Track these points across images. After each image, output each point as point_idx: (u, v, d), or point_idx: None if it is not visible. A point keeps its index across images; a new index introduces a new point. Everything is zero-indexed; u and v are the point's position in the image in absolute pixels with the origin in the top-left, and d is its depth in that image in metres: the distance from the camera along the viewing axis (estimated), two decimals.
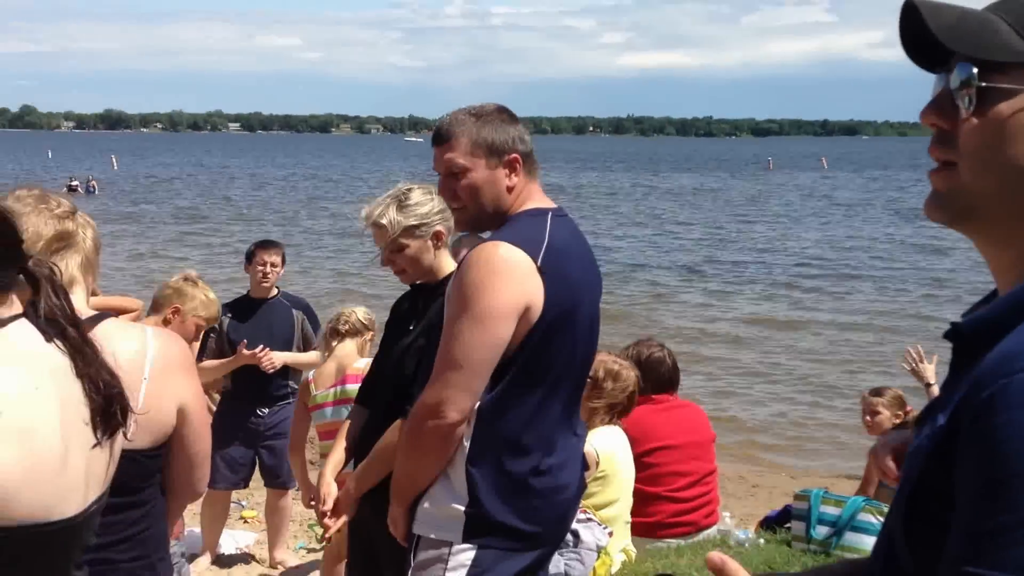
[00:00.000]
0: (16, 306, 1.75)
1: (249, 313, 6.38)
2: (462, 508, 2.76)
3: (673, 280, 21.50)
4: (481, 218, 2.93)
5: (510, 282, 2.67)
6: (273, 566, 6.59)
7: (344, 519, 3.48)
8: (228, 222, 33.13)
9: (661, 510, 5.06)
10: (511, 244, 2.71)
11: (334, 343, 5.33)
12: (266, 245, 6.59)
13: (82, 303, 2.42)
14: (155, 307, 4.87)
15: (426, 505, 2.83)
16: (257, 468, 6.58)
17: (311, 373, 5.42)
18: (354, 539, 3.67)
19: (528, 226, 2.80)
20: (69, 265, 2.41)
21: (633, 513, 4.85)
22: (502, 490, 2.76)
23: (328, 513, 3.49)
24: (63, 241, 2.43)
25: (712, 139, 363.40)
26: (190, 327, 4.83)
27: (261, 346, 6.03)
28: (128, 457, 2.30)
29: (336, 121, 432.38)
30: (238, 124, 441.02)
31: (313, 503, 3.73)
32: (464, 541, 2.76)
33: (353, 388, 5.24)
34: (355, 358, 5.26)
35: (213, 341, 6.29)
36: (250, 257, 6.49)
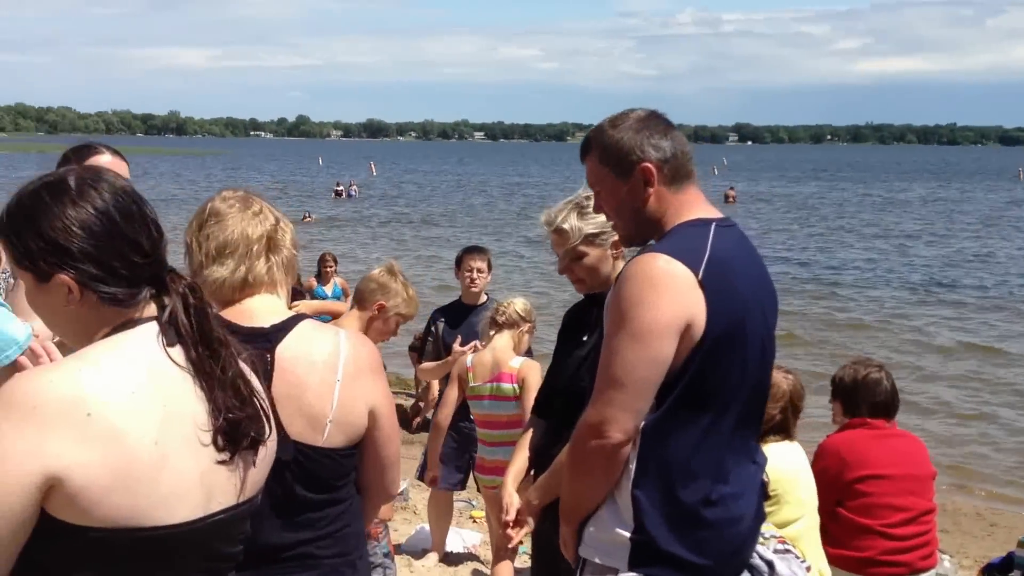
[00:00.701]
0: (151, 308, 1.75)
1: (460, 318, 6.40)
2: (627, 534, 2.56)
3: (905, 297, 20.30)
4: (631, 233, 2.73)
5: (669, 296, 2.44)
6: None
7: (526, 529, 3.37)
8: (470, 227, 33.84)
9: (873, 545, 4.68)
10: (669, 256, 2.48)
11: (492, 332, 5.29)
12: (472, 251, 6.57)
13: (280, 304, 2.47)
14: (359, 301, 4.65)
15: (592, 529, 2.65)
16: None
17: (470, 360, 5.41)
18: (537, 550, 3.59)
19: (688, 237, 2.55)
20: (271, 267, 2.45)
21: (841, 544, 4.56)
22: (669, 518, 2.54)
23: (511, 523, 3.35)
24: (268, 243, 2.46)
25: (956, 147, 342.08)
26: (392, 324, 4.64)
27: (473, 344, 6.04)
28: (325, 455, 2.37)
29: (571, 130, 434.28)
30: (482, 133, 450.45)
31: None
32: (630, 569, 2.56)
33: (508, 387, 5.33)
34: (510, 355, 5.19)
35: (431, 344, 6.40)
36: (459, 263, 6.54)
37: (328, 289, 12.55)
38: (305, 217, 34.73)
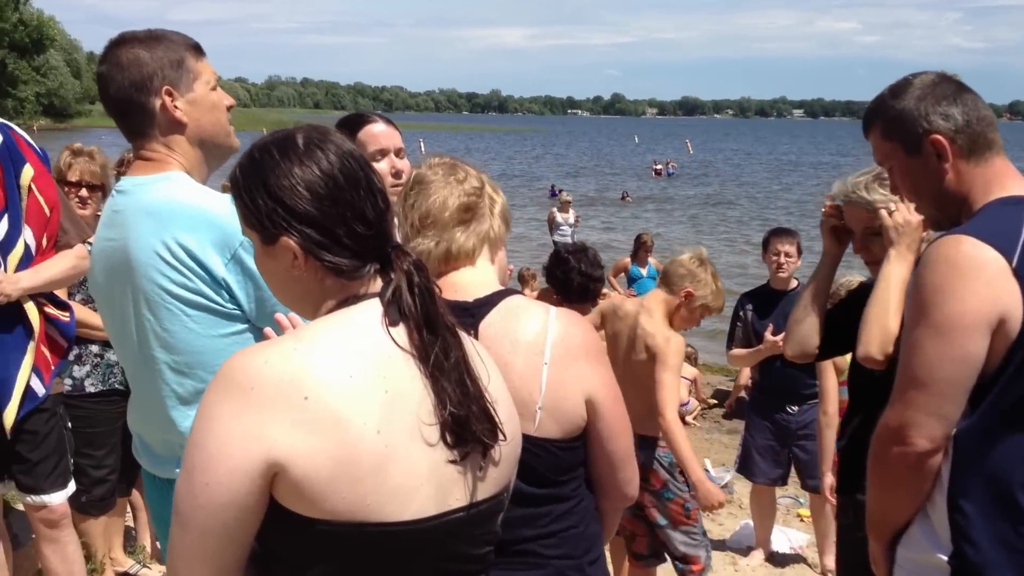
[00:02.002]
0: (376, 284, 1.63)
1: (770, 305, 5.94)
2: (944, 558, 2.23)
3: None
4: (935, 215, 2.41)
5: (977, 286, 2.11)
6: (824, 573, 5.98)
7: None
8: (777, 208, 32.71)
9: None
10: (977, 239, 2.13)
11: None
12: (780, 234, 6.14)
13: (487, 277, 2.28)
14: (667, 284, 4.47)
15: (904, 549, 2.35)
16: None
17: None
18: (843, 554, 3.29)
19: (999, 218, 2.20)
20: (470, 238, 2.26)
21: None
22: (995, 540, 2.18)
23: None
24: (468, 212, 2.27)
25: None
26: (696, 314, 4.47)
27: (783, 335, 5.56)
28: (540, 446, 2.12)
29: None
30: (801, 111, 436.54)
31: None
32: None
33: None
34: None
35: (740, 329, 6.04)
36: (765, 245, 6.13)
37: (643, 270, 12.38)
38: (624, 196, 34.91)
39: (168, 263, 2.29)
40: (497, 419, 1.63)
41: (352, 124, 3.18)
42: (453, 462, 1.57)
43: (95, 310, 4.34)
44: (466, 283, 2.24)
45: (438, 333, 1.60)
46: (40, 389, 3.62)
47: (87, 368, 4.46)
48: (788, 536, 6.53)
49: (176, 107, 2.39)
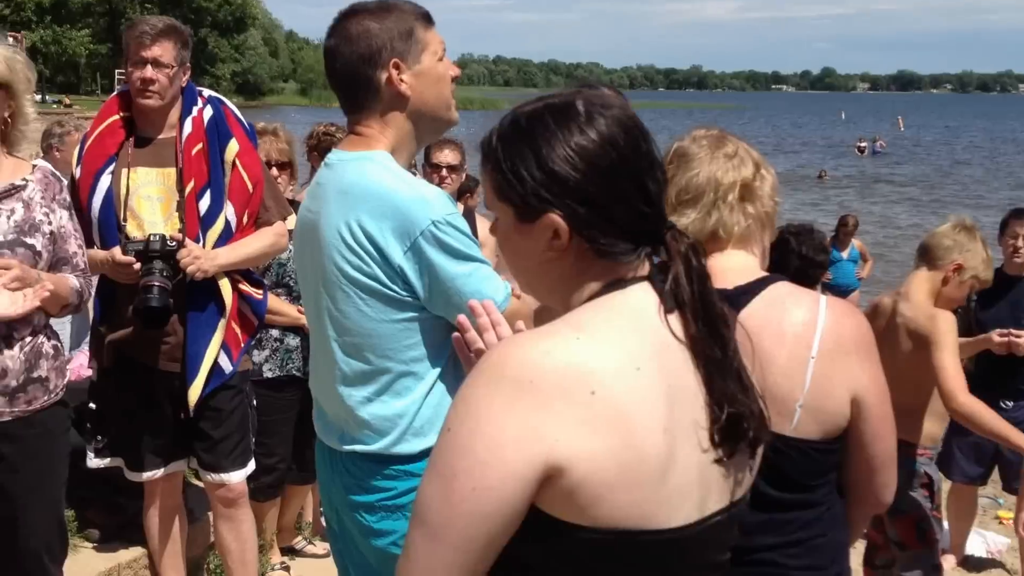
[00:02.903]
0: (644, 267, 1.52)
1: (998, 292, 5.56)
2: None
3: None
4: None
5: None
6: None
7: None
8: (1001, 188, 30.88)
9: None
10: None
11: None
12: (1020, 214, 5.72)
13: (751, 263, 2.20)
14: (929, 260, 4.12)
15: None
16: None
17: None
18: None
19: None
20: (740, 218, 2.18)
21: None
22: None
23: None
24: (739, 190, 2.19)
25: None
26: (965, 288, 4.11)
27: (1008, 330, 5.17)
28: (795, 447, 2.05)
29: None
30: None
31: None
32: None
33: None
34: None
35: (960, 317, 5.69)
36: (1003, 227, 5.73)
37: (845, 253, 11.93)
38: (821, 174, 33.80)
39: (348, 245, 2.33)
40: (767, 410, 1.53)
41: None
42: (718, 462, 1.47)
43: (279, 295, 4.52)
44: (726, 268, 2.15)
45: (714, 324, 1.49)
46: (228, 366, 3.77)
47: (266, 353, 4.56)
48: (986, 539, 6.18)
49: (402, 80, 2.39)
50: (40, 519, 3.25)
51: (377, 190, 2.34)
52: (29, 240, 3.14)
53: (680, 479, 1.41)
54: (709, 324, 1.48)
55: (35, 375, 3.16)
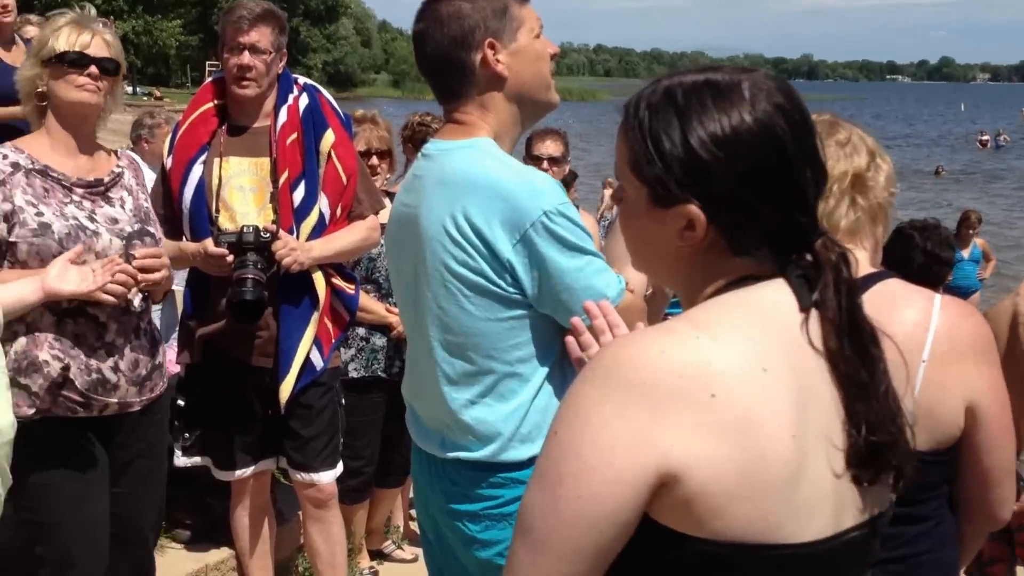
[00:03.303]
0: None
1: None
2: None
3: None
4: None
5: None
6: None
7: None
8: None
9: None
10: None
11: None
12: None
13: (861, 258, 2.10)
14: None
15: None
16: None
17: None
18: None
19: None
20: (850, 210, 2.12)
21: None
22: None
23: None
24: (851, 182, 2.12)
25: None
26: None
27: None
28: None
29: None
30: None
31: None
32: None
33: None
34: None
35: None
36: None
37: (966, 252, 11.57)
38: (938, 170, 32.94)
39: (453, 239, 2.27)
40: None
41: None
42: (855, 479, 1.39)
43: (367, 292, 4.49)
44: None
45: (861, 343, 1.40)
46: (319, 362, 3.77)
47: (352, 352, 4.53)
48: None
49: (498, 60, 2.33)
50: (152, 506, 3.35)
51: (483, 179, 2.27)
52: (151, 228, 3.23)
53: (811, 490, 1.34)
54: (856, 342, 1.40)
55: (156, 361, 3.25)
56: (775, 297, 1.40)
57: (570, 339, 1.85)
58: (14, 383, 2.98)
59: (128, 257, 3.04)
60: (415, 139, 4.97)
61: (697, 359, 1.31)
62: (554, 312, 2.28)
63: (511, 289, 2.27)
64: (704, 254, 1.42)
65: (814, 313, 1.39)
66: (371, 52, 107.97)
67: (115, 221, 3.13)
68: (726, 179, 1.37)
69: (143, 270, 3.01)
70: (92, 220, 3.08)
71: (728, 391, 1.29)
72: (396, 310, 4.30)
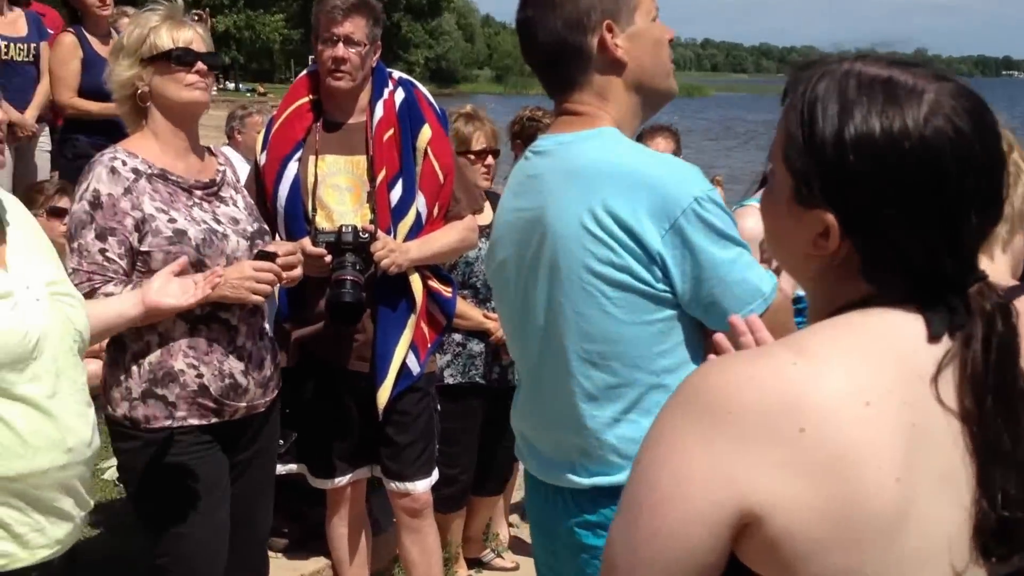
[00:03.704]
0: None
1: None
2: None
3: None
4: None
5: None
6: None
7: None
8: None
9: None
10: None
11: None
12: None
13: (1001, 268, 2.05)
14: None
15: None
16: None
17: None
18: None
19: None
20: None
21: None
22: None
23: None
24: None
25: None
26: None
27: None
28: None
29: None
30: None
31: None
32: None
33: None
34: None
35: None
36: None
37: None
38: None
39: (594, 235, 2.12)
40: None
41: None
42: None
43: (464, 297, 4.39)
44: None
45: (1011, 408, 1.26)
46: (415, 367, 3.73)
47: (448, 357, 4.47)
48: None
49: (616, 44, 2.20)
50: (266, 507, 3.37)
51: (623, 167, 2.14)
52: (264, 226, 3.24)
53: (920, 541, 1.22)
54: (1002, 406, 1.26)
55: (276, 362, 3.26)
56: (898, 321, 1.28)
57: (720, 337, 1.71)
58: (150, 394, 3.00)
59: (260, 254, 3.03)
60: (524, 135, 4.89)
61: (789, 388, 1.22)
62: (704, 311, 2.14)
63: (660, 286, 2.12)
64: (836, 268, 1.32)
65: (950, 362, 1.26)
66: (474, 47, 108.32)
67: (236, 221, 3.13)
68: (871, 193, 1.25)
69: (285, 267, 3.00)
70: (218, 222, 3.08)
71: (820, 426, 1.20)
72: (494, 316, 4.26)
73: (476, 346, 4.48)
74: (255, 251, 3.06)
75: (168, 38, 3.02)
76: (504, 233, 2.37)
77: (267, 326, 3.28)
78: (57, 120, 6.79)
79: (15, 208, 2.54)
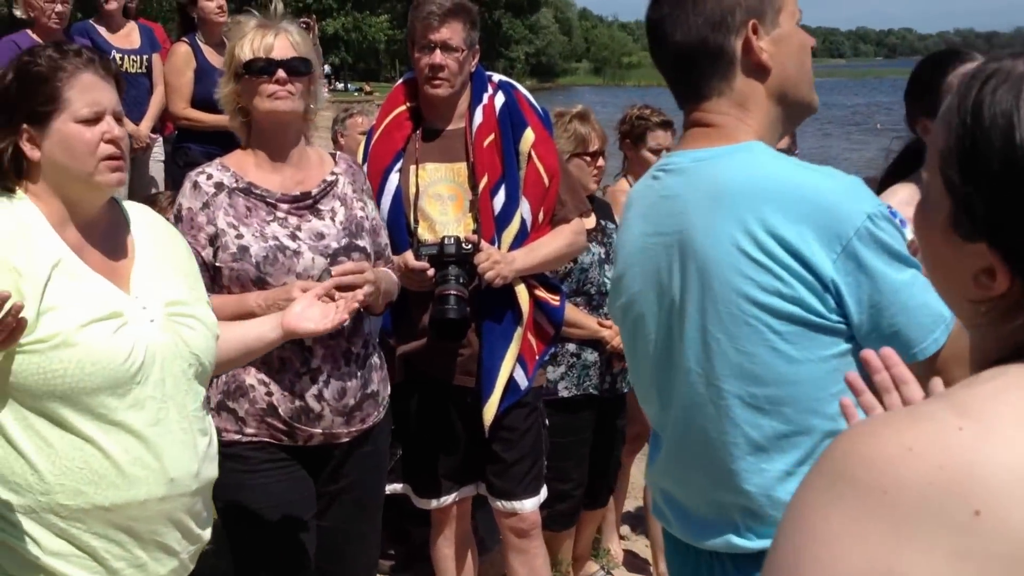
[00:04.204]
0: None
1: None
2: None
3: None
4: None
5: None
6: None
7: None
8: None
9: None
10: None
11: None
12: None
13: None
14: None
15: None
16: None
17: None
18: None
19: None
20: None
21: None
22: None
23: None
24: None
25: None
26: None
27: None
28: None
29: None
30: None
31: None
32: None
33: None
34: None
35: None
36: None
37: None
38: None
39: (753, 260, 1.83)
40: None
41: None
42: None
43: (577, 305, 4.18)
44: None
45: None
46: (523, 381, 3.52)
47: (561, 369, 4.22)
48: None
49: (761, 47, 1.93)
50: (363, 543, 3.21)
51: (783, 183, 1.87)
52: (359, 242, 3.04)
53: None
54: None
55: (369, 390, 3.06)
56: None
57: (846, 401, 1.48)
58: (223, 407, 2.92)
59: (330, 274, 2.87)
60: (634, 134, 4.67)
61: (957, 460, 0.97)
62: (885, 342, 1.77)
63: (834, 317, 1.84)
64: (1002, 312, 1.08)
65: None
66: (571, 41, 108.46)
67: (320, 237, 2.96)
68: None
69: (341, 289, 2.79)
70: (294, 238, 2.93)
71: (1000, 508, 0.95)
72: (608, 323, 4.05)
73: (590, 355, 4.23)
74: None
75: (249, 49, 2.91)
76: (633, 263, 2.07)
77: (369, 348, 3.09)
78: (166, 128, 6.78)
79: (146, 221, 2.47)
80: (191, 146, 6.28)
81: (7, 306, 1.96)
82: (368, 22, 75.54)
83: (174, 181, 6.33)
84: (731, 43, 1.93)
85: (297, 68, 2.94)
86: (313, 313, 2.63)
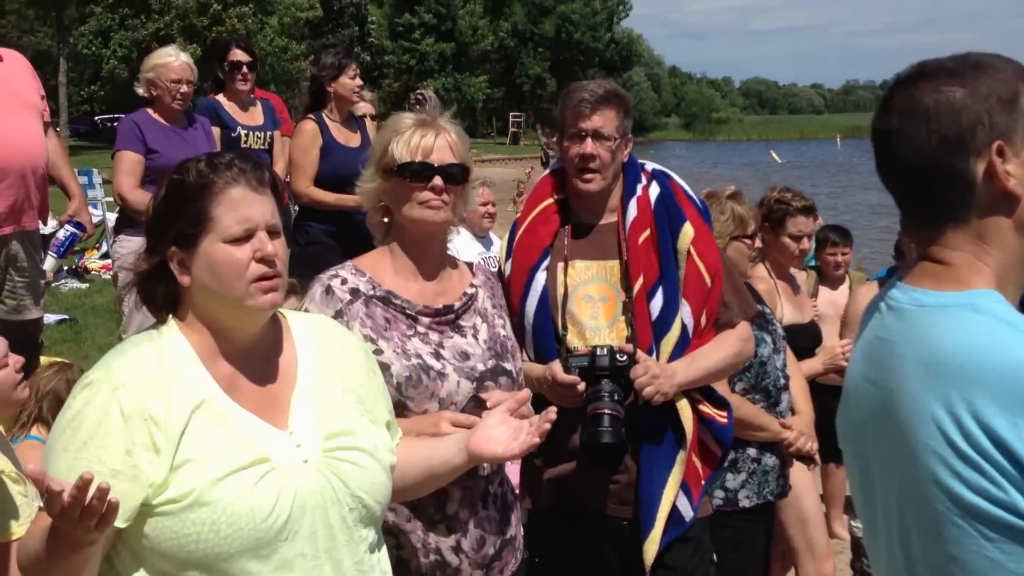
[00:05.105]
0: None
1: None
2: None
3: None
4: None
5: None
6: None
7: None
8: None
9: None
10: None
11: None
12: None
13: None
14: None
15: None
16: None
17: None
18: None
19: None
20: None
21: None
22: None
23: None
24: None
25: None
26: None
27: None
28: None
29: None
30: None
31: None
32: None
33: None
34: None
35: None
36: None
37: None
38: None
39: (958, 451, 1.49)
40: None
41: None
42: None
43: (755, 402, 3.67)
44: None
45: None
46: (687, 511, 2.98)
47: (742, 477, 3.68)
48: None
49: (1008, 173, 1.59)
50: None
51: (1000, 361, 1.49)
52: (507, 365, 2.59)
53: None
54: None
55: (508, 535, 2.58)
56: None
57: None
58: None
59: (477, 401, 2.42)
60: (772, 218, 4.19)
61: None
62: None
63: None
64: None
65: None
66: (661, 98, 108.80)
67: (466, 356, 2.52)
68: None
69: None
70: (438, 357, 2.48)
71: None
72: (790, 422, 3.62)
73: (770, 460, 3.70)
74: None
75: (406, 149, 2.50)
76: (855, 400, 1.76)
77: (505, 487, 2.61)
78: (283, 200, 6.44)
79: (314, 335, 2.11)
80: (312, 224, 5.91)
81: (91, 490, 1.61)
82: (467, 82, 76.66)
83: (294, 259, 5.97)
84: (972, 167, 1.60)
85: (455, 176, 2.53)
86: (500, 434, 2.15)
